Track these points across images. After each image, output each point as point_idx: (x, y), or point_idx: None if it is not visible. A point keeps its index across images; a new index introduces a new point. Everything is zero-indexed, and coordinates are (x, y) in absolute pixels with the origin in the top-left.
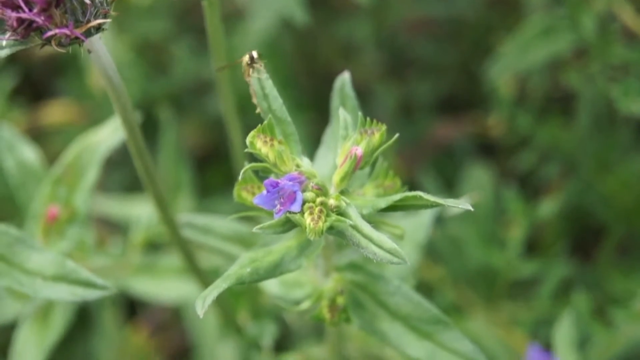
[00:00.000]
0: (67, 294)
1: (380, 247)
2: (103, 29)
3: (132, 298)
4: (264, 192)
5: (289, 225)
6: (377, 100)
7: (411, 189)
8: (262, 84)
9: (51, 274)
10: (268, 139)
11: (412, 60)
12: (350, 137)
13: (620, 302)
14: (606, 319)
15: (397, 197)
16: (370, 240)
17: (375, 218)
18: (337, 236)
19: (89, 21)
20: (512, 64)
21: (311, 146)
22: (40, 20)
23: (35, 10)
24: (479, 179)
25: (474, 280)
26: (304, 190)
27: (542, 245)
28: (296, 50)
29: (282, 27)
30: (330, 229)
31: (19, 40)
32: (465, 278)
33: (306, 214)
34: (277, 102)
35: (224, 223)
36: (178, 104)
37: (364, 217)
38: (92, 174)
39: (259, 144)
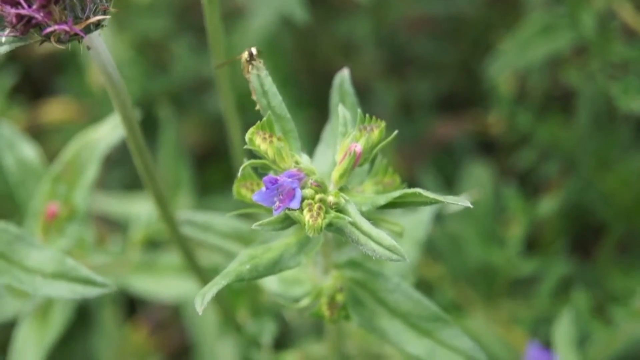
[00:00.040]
0: (67, 292)
1: (379, 244)
2: (102, 26)
3: (131, 296)
4: (263, 188)
5: (288, 222)
6: (377, 98)
7: (411, 186)
8: (262, 81)
9: (51, 271)
10: (267, 136)
11: (412, 58)
12: (349, 134)
13: (620, 300)
14: (606, 317)
15: (397, 194)
16: (370, 237)
17: (375, 215)
18: (336, 233)
19: (88, 17)
20: (512, 61)
21: (311, 144)
22: (39, 16)
23: (34, 7)
24: (479, 176)
25: (474, 278)
26: (303, 187)
27: (542, 243)
28: (296, 49)
29: (282, 25)
30: (329, 225)
31: (19, 36)
32: (465, 276)
33: (305, 211)
34: (277, 98)
35: (224, 220)
36: (178, 102)
37: (363, 214)
38: (91, 172)
39: (258, 140)
